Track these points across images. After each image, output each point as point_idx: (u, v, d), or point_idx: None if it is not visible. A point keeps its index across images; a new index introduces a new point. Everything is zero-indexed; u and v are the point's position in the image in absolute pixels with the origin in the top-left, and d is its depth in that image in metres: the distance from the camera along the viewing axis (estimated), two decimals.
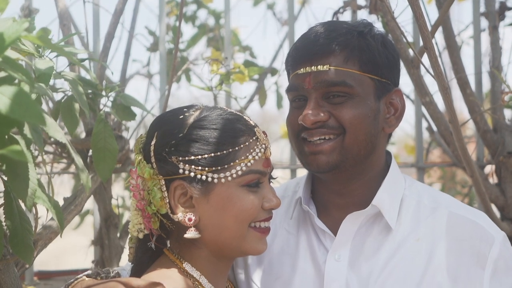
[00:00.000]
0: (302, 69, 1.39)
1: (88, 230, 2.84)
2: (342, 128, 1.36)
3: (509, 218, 2.15)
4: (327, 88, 1.37)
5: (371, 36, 1.40)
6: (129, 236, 1.37)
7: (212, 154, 1.23)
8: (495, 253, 1.32)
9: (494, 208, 2.14)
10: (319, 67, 1.37)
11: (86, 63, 1.94)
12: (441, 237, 1.35)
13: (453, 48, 2.26)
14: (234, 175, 1.23)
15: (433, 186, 4.98)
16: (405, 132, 3.78)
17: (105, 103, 1.80)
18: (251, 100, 2.96)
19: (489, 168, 2.35)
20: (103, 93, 1.76)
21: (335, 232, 1.40)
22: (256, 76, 2.93)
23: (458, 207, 1.41)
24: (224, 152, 1.23)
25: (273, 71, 3.10)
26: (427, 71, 1.54)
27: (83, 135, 2.07)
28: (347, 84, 1.35)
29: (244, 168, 1.24)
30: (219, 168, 1.23)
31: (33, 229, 1.34)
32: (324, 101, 1.38)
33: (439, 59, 2.58)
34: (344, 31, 1.39)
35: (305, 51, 1.41)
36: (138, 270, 1.34)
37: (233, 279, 1.51)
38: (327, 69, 1.36)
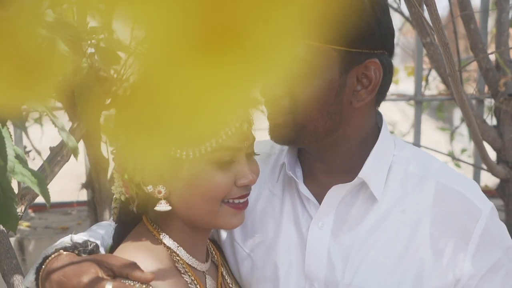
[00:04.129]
0: None
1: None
2: (294, 106, 1.27)
3: (505, 161, 2.12)
4: None
5: (340, 2, 1.27)
6: (114, 196, 1.36)
7: None
8: (480, 228, 1.28)
9: (491, 151, 2.10)
10: None
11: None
12: (427, 210, 1.31)
13: None
14: (203, 151, 1.16)
15: (432, 102, 4.86)
16: (406, 52, 3.67)
17: (88, 44, 1.72)
18: None
19: (488, 111, 2.29)
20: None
21: (320, 199, 1.36)
22: None
23: (448, 177, 1.35)
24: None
25: None
26: (427, 23, 1.44)
27: None
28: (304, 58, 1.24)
29: (214, 144, 1.16)
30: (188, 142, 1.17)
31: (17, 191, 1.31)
32: None
33: None
34: None
35: None
36: (121, 231, 1.33)
37: (217, 238, 1.50)
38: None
